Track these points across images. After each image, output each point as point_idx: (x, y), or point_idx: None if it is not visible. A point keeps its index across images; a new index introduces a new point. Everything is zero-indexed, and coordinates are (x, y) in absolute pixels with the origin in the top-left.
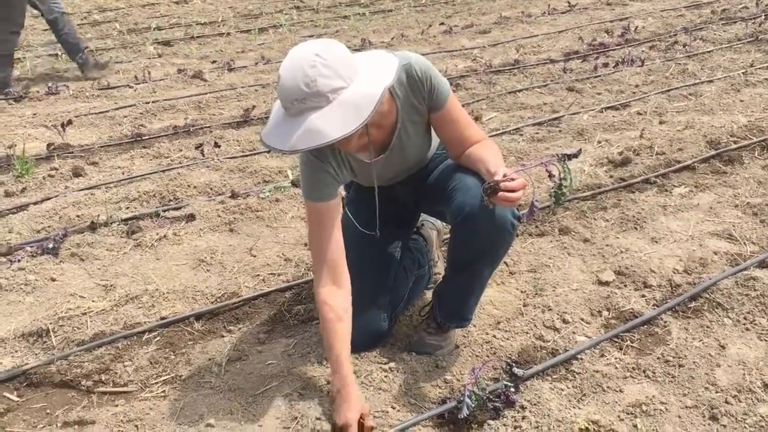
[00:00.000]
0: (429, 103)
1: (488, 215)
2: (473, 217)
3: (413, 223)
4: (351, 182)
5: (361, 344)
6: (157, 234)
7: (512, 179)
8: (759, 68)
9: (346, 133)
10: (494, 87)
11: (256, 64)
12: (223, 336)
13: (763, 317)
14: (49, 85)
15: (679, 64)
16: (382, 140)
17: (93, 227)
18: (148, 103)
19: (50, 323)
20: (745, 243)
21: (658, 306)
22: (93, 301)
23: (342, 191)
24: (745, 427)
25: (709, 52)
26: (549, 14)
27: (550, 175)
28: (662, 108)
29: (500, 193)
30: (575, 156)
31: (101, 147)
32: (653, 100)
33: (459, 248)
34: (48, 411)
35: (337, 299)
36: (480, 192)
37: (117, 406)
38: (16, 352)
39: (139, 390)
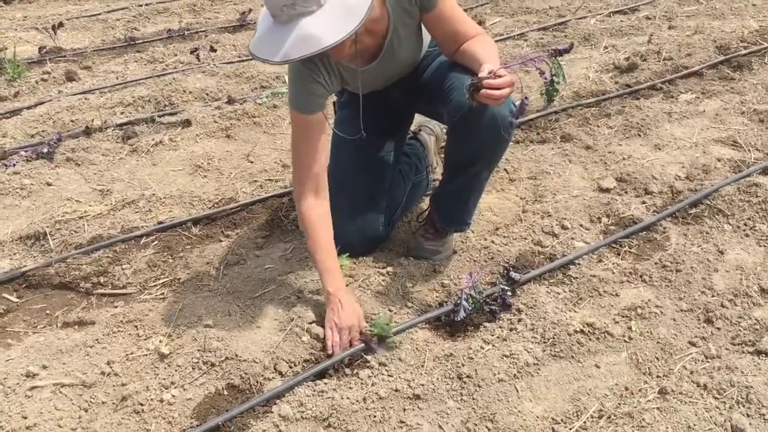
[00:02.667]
0: (420, 3)
1: (486, 114)
2: (471, 116)
3: (407, 125)
4: (343, 88)
5: (358, 248)
6: (153, 139)
7: (498, 76)
8: None
9: (341, 38)
10: None
11: None
12: (220, 241)
13: (763, 223)
14: None
15: None
16: (373, 47)
17: (88, 132)
18: (141, 5)
19: (47, 227)
20: (749, 150)
21: (658, 212)
22: (90, 205)
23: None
24: (739, 330)
25: None
26: None
27: (541, 73)
28: (672, 12)
29: (483, 91)
30: (567, 51)
31: (94, 51)
32: (663, 4)
33: (457, 148)
34: (48, 312)
35: (317, 209)
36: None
37: (116, 307)
38: (14, 254)
39: (137, 292)
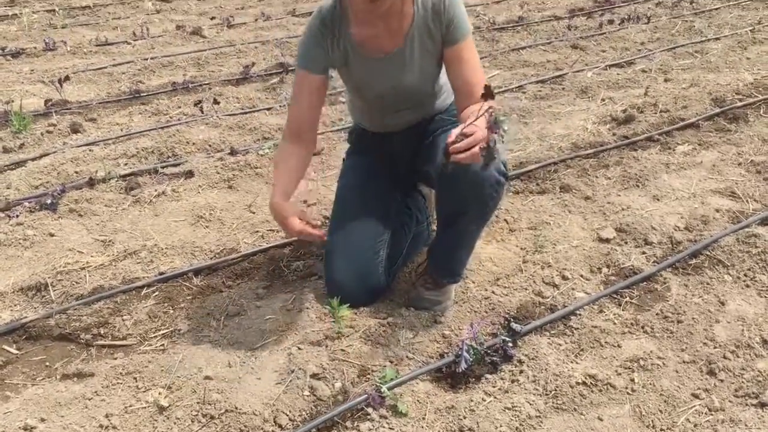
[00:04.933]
0: (444, 33)
1: (469, 173)
2: (455, 170)
3: (409, 181)
4: (353, 131)
5: (359, 297)
6: (156, 190)
7: (468, 135)
8: (767, 25)
9: None
10: (497, 44)
11: (256, 20)
12: (221, 291)
13: (763, 274)
14: (47, 41)
15: (686, 21)
16: (390, 45)
17: (91, 183)
18: (146, 59)
19: (49, 277)
20: (747, 200)
21: (658, 263)
22: (91, 256)
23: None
24: (742, 382)
25: (716, 9)
26: None
27: (491, 129)
28: (667, 65)
29: (452, 156)
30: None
31: (99, 103)
32: (658, 58)
33: (444, 202)
34: (47, 363)
35: (289, 147)
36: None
37: (116, 359)
38: (15, 305)
39: (137, 343)
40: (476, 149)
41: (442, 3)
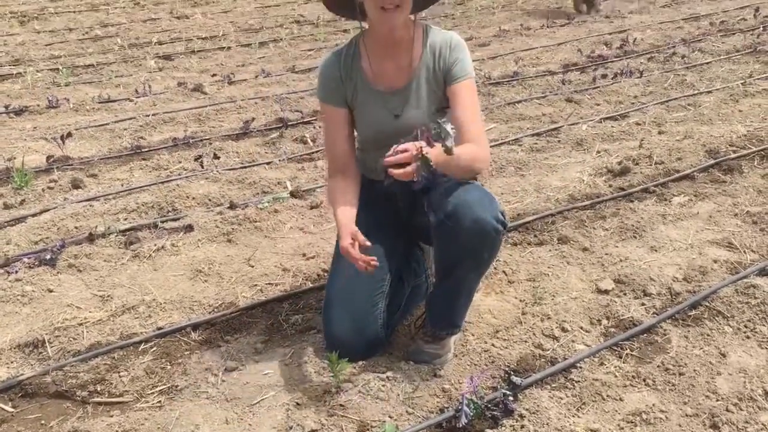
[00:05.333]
0: (446, 72)
1: (466, 221)
2: (452, 219)
3: (408, 234)
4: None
5: (357, 350)
6: (155, 245)
7: (402, 151)
8: (758, 79)
9: None
10: (493, 98)
11: (256, 77)
12: (219, 346)
13: (763, 325)
14: (50, 98)
15: (678, 75)
16: (398, 81)
17: (91, 238)
18: (148, 115)
19: (46, 334)
20: (744, 251)
21: (657, 314)
22: (89, 311)
23: None
24: None
25: (707, 63)
26: (548, 27)
27: (429, 143)
28: (661, 118)
29: (388, 171)
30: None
31: (101, 159)
32: (652, 111)
33: (442, 251)
34: (43, 422)
35: (339, 184)
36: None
37: (112, 416)
38: (11, 363)
39: (134, 400)
40: (410, 169)
41: (448, 45)
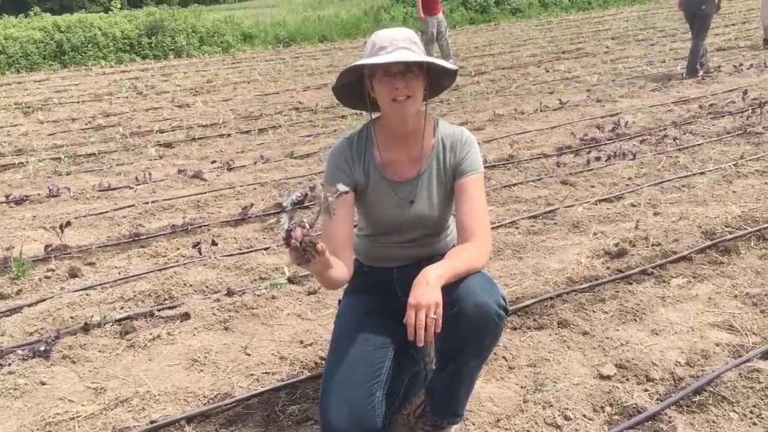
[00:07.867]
0: (456, 166)
1: (469, 303)
2: (453, 304)
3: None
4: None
5: None
6: (151, 334)
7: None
8: (749, 160)
9: (429, 59)
10: (489, 181)
11: (255, 163)
12: None
13: None
14: (50, 187)
15: (670, 157)
16: (409, 171)
17: (86, 328)
18: (147, 203)
19: (37, 429)
20: (746, 334)
21: (661, 400)
22: (82, 405)
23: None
24: None
25: (699, 145)
26: (541, 111)
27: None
28: (656, 199)
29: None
30: (301, 201)
31: (99, 247)
32: (646, 192)
33: (441, 338)
34: None
35: None
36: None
37: None
38: None
39: None
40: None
41: (459, 140)
